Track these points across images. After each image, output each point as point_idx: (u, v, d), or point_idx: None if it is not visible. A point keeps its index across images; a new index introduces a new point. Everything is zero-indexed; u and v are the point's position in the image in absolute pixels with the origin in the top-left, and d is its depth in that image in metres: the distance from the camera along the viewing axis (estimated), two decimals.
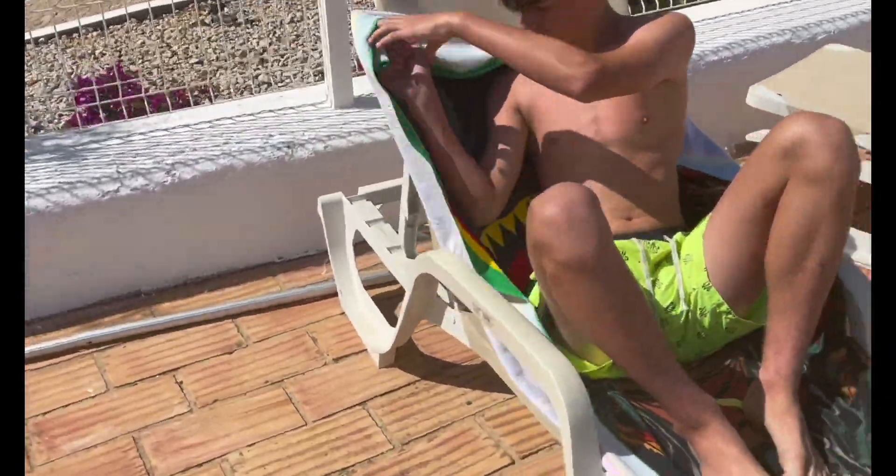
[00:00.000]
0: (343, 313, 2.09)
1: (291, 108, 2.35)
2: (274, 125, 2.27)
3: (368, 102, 2.38)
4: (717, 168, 1.73)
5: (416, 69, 1.54)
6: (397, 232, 1.86)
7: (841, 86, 2.33)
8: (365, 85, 2.45)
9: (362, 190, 2.06)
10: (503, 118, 1.62)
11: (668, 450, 1.30)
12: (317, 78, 3.43)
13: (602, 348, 1.31)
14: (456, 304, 1.63)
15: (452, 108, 1.67)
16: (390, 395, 1.85)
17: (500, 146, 1.61)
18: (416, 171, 1.54)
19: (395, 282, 2.18)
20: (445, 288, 1.63)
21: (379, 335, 1.93)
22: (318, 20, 2.28)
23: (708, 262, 1.41)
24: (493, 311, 1.37)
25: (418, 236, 1.84)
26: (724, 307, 1.42)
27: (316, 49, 3.67)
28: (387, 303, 2.09)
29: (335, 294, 2.13)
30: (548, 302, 1.38)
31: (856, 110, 2.19)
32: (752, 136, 2.37)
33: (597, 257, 1.20)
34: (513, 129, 1.62)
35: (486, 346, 1.54)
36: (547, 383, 1.25)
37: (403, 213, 1.79)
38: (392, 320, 2.04)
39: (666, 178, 1.58)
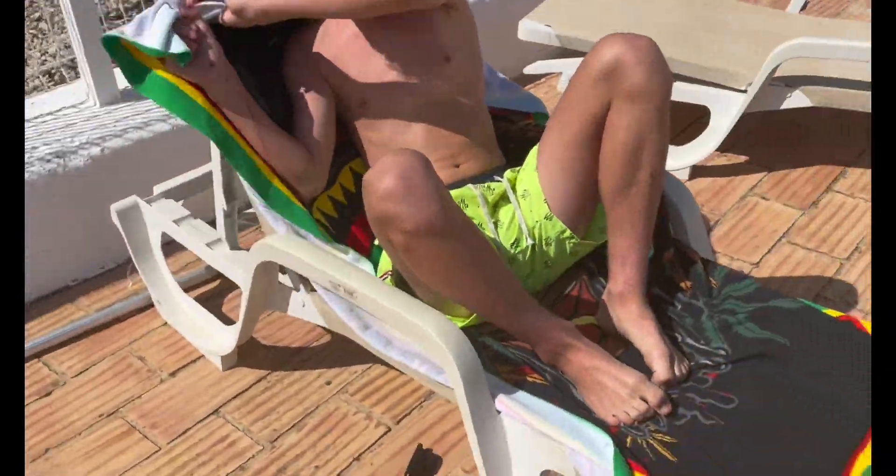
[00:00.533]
0: (166, 324, 1.93)
1: (49, 113, 2.10)
2: (34, 136, 2.02)
3: (137, 94, 2.19)
4: (518, 101, 1.77)
5: (212, 53, 1.42)
6: (212, 225, 1.74)
7: (600, 8, 2.47)
8: None
9: (158, 188, 1.90)
10: (308, 84, 1.55)
11: (546, 378, 1.34)
12: (51, 78, 3.09)
13: (462, 305, 1.32)
14: (303, 287, 1.56)
15: (254, 84, 1.57)
16: (243, 395, 1.74)
17: (312, 115, 1.53)
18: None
19: (213, 279, 2.05)
20: (289, 272, 1.55)
21: (217, 337, 1.81)
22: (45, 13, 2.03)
23: (546, 193, 1.44)
24: (355, 284, 1.32)
25: (239, 224, 1.73)
26: (567, 233, 1.46)
27: (39, 47, 3.29)
28: (211, 302, 1.97)
29: (151, 306, 1.97)
30: (400, 270, 1.36)
31: (624, 29, 2.34)
32: (530, 69, 2.45)
33: (443, 219, 1.20)
34: (321, 95, 1.55)
35: (348, 323, 1.49)
36: (429, 341, 1.23)
37: (220, 204, 1.67)
38: (223, 319, 1.92)
39: (482, 118, 1.60)
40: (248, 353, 1.83)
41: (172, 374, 1.81)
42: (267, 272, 1.55)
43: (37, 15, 3.49)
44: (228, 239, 1.72)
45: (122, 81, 2.21)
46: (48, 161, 1.94)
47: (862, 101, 2.07)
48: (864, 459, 1.17)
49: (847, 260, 1.97)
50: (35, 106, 2.13)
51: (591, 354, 1.29)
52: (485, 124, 1.60)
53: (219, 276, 2.05)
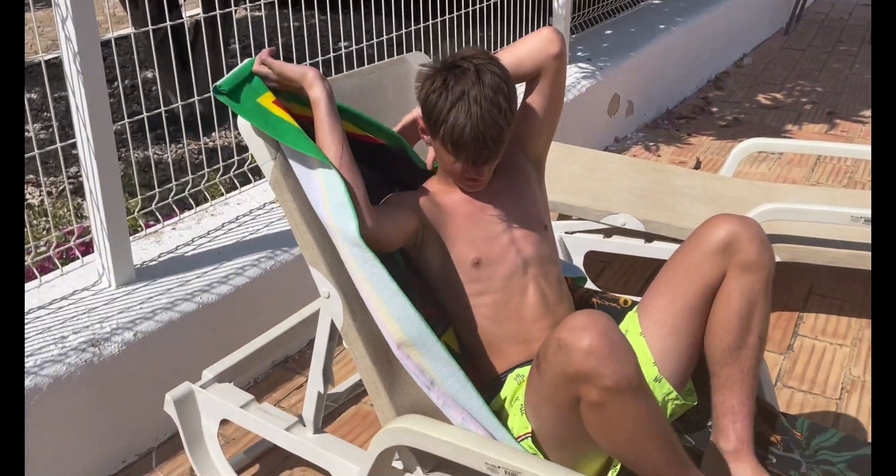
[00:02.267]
0: None
1: (63, 298, 1.99)
2: (56, 324, 1.89)
3: (153, 272, 2.12)
4: (565, 268, 1.90)
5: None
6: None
7: (573, 176, 2.71)
8: (144, 250, 2.19)
9: (209, 372, 1.83)
10: (402, 204, 1.58)
11: None
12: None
13: (636, 465, 1.37)
14: (419, 469, 1.55)
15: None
16: None
17: (389, 212, 1.55)
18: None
19: (252, 463, 1.96)
20: (402, 454, 1.54)
21: None
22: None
23: (656, 356, 1.56)
24: (521, 465, 1.35)
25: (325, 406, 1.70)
26: (674, 394, 1.58)
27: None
28: None
29: None
30: (559, 432, 1.40)
31: (600, 193, 2.58)
32: None
33: (641, 378, 1.28)
34: (406, 220, 1.56)
35: None
36: None
37: (316, 386, 1.65)
38: None
39: (566, 285, 1.70)
40: None
41: None
42: (387, 457, 1.54)
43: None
44: (315, 424, 1.68)
45: (136, 258, 2.14)
46: (82, 350, 1.82)
47: (823, 257, 2.39)
48: None
49: (839, 399, 2.21)
50: (41, 290, 2.00)
51: None
52: (569, 294, 1.72)
53: (260, 457, 1.97)
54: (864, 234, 2.43)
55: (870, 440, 1.96)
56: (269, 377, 2.27)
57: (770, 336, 2.48)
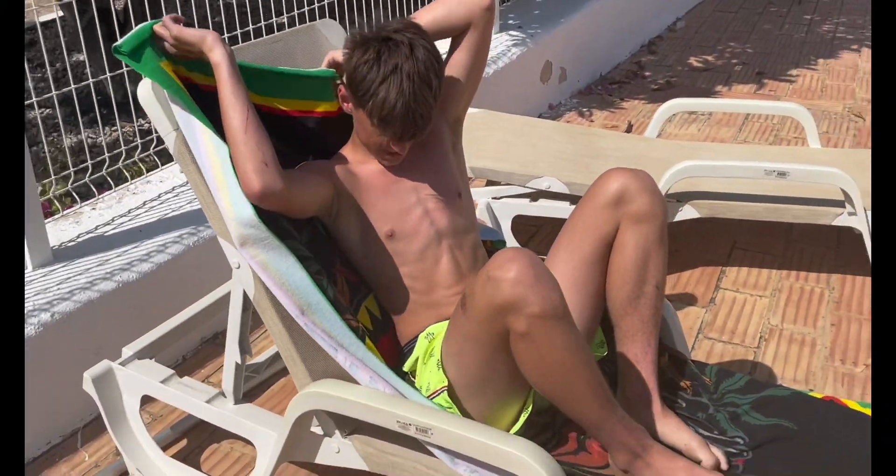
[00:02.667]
0: None
1: None
2: None
3: (71, 253, 2.10)
4: (485, 232, 1.92)
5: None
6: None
7: (502, 143, 2.72)
8: (63, 231, 2.16)
9: (128, 350, 1.82)
10: (315, 171, 1.57)
11: None
12: None
13: (561, 397, 1.39)
14: (338, 432, 1.57)
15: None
16: None
17: (301, 176, 1.54)
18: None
19: (181, 437, 1.96)
20: (321, 419, 1.56)
21: None
22: None
23: None
24: (432, 421, 1.38)
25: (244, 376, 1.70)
26: None
27: None
28: (189, 461, 1.88)
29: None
30: (467, 371, 1.43)
31: (528, 159, 2.60)
32: None
33: (564, 303, 1.32)
34: (321, 184, 1.56)
35: (394, 459, 1.52)
36: (523, 465, 1.31)
37: (233, 357, 1.65)
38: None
39: (482, 251, 1.72)
40: None
41: None
42: (303, 423, 1.55)
43: None
44: (235, 394, 1.69)
45: (53, 239, 2.11)
46: None
47: (740, 211, 2.45)
48: None
49: (758, 348, 2.28)
50: None
51: (670, 457, 1.43)
52: (485, 257, 1.74)
53: (187, 432, 1.97)
54: (779, 187, 2.50)
55: (780, 383, 2.03)
56: (197, 354, 2.26)
57: (693, 291, 2.54)
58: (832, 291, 2.52)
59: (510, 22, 4.05)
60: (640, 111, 4.02)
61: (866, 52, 4.81)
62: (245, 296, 1.61)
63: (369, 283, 1.66)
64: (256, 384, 2.09)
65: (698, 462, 1.48)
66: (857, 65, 4.61)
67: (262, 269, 1.47)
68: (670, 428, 1.54)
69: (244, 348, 1.65)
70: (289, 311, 1.48)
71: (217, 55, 1.48)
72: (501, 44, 3.79)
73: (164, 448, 1.90)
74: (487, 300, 1.33)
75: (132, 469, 1.81)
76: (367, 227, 1.59)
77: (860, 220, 2.34)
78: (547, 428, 1.58)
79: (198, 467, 1.87)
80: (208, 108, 1.53)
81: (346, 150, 1.66)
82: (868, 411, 1.60)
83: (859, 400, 2.03)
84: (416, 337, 1.62)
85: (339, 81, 1.61)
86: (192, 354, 2.26)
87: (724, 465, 1.48)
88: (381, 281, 1.63)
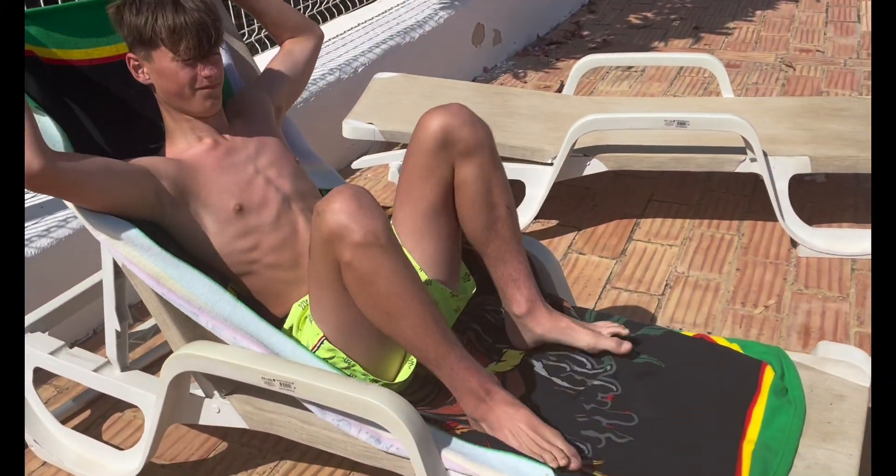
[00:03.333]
0: (45, 464, 1.84)
1: None
2: None
3: None
4: (324, 178, 1.89)
5: None
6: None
7: (412, 105, 2.73)
8: None
9: None
10: (131, 165, 1.52)
11: (470, 427, 1.47)
12: None
13: (398, 333, 1.39)
14: (216, 393, 1.59)
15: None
16: None
17: (110, 164, 1.47)
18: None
19: (82, 410, 1.98)
20: (200, 380, 1.58)
21: (113, 466, 1.75)
22: None
23: (420, 263, 1.59)
24: (293, 376, 1.40)
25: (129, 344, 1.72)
26: (448, 292, 1.63)
27: None
28: (90, 432, 1.90)
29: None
30: (331, 316, 1.45)
31: None
32: (358, 164, 2.64)
33: (388, 232, 1.33)
34: (131, 176, 1.50)
35: (271, 416, 1.55)
36: (379, 413, 1.34)
37: (112, 325, 1.66)
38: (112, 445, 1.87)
39: None
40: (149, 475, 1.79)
41: None
42: (180, 385, 1.57)
43: None
44: (120, 361, 1.71)
45: None
46: None
47: (647, 163, 2.47)
48: (755, 420, 1.44)
49: (662, 295, 2.31)
50: None
51: (511, 402, 1.45)
52: None
53: (87, 405, 1.99)
54: (681, 137, 2.52)
55: (679, 331, 2.07)
56: (94, 336, 2.27)
57: (605, 243, 2.56)
58: (741, 237, 2.56)
59: None
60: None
61: (804, 2, 4.82)
62: (115, 264, 1.62)
63: (225, 275, 1.61)
64: (157, 358, 2.11)
65: (606, 352, 1.61)
66: (793, 15, 4.62)
67: (110, 246, 1.49)
68: (568, 330, 1.62)
69: (122, 315, 1.67)
70: (145, 282, 1.50)
71: None
72: (428, 8, 3.78)
73: (67, 419, 1.92)
74: (317, 234, 1.35)
75: (29, 440, 1.83)
76: (211, 209, 1.56)
77: (761, 165, 2.36)
78: (431, 381, 1.60)
79: (99, 436, 1.89)
80: (47, 84, 1.53)
81: (166, 147, 1.63)
82: (735, 346, 1.63)
83: (754, 340, 2.07)
84: (287, 313, 1.63)
85: (128, 55, 1.57)
86: (101, 329, 2.27)
87: (625, 348, 1.60)
88: (240, 268, 1.60)
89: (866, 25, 4.39)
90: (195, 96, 1.56)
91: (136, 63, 1.57)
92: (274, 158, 1.65)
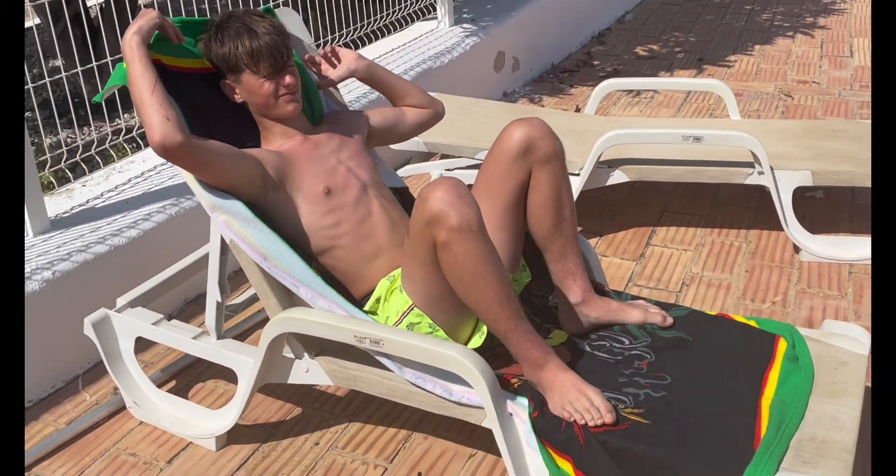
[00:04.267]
0: (142, 423, 2.08)
1: None
2: None
3: (66, 223, 2.36)
4: (388, 177, 2.15)
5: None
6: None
7: (449, 122, 3.01)
8: (57, 205, 2.42)
9: (122, 300, 2.08)
10: (245, 151, 1.79)
11: (523, 381, 1.72)
12: None
13: (479, 305, 1.63)
14: (306, 355, 1.84)
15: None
16: (244, 467, 1.94)
17: (229, 147, 1.75)
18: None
19: (177, 374, 2.23)
20: (291, 342, 1.83)
21: (204, 424, 1.99)
22: None
23: None
24: (382, 333, 1.66)
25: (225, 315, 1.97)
26: (511, 277, 1.90)
27: None
28: (180, 395, 2.14)
29: (121, 409, 2.10)
30: (425, 287, 1.69)
31: (475, 134, 2.89)
32: (403, 172, 2.92)
33: (481, 221, 1.59)
34: (247, 157, 1.77)
35: (355, 373, 1.80)
36: (460, 365, 1.60)
37: (214, 296, 1.92)
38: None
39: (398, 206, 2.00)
40: (232, 435, 2.03)
41: (169, 462, 1.96)
42: (276, 347, 1.82)
43: None
44: (217, 330, 1.96)
45: (50, 211, 2.37)
46: None
47: (664, 174, 2.75)
48: (771, 381, 1.71)
49: (680, 292, 2.58)
50: None
51: (563, 368, 1.70)
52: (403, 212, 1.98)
53: (176, 374, 2.24)
54: (697, 151, 2.80)
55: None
56: (182, 312, 2.53)
57: (626, 247, 2.84)
58: (749, 244, 2.83)
59: (464, 16, 4.34)
60: (588, 96, 4.32)
61: (800, 38, 5.16)
62: (223, 241, 1.88)
63: (311, 254, 1.84)
64: (241, 332, 2.36)
65: (643, 328, 1.90)
66: (790, 49, 4.95)
67: (226, 226, 1.75)
68: (619, 311, 1.91)
69: (223, 288, 1.92)
70: (253, 258, 1.76)
71: (123, 40, 1.73)
72: (455, 36, 4.08)
73: (157, 386, 2.17)
74: (419, 216, 1.60)
75: (129, 402, 2.07)
76: (303, 191, 1.81)
77: (768, 177, 2.65)
78: (492, 352, 1.85)
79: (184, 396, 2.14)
80: (172, 86, 1.81)
81: (266, 142, 1.91)
82: (752, 323, 1.90)
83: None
84: (371, 290, 1.86)
85: (223, 81, 1.86)
86: (177, 313, 2.52)
87: (669, 321, 1.90)
88: (325, 246, 1.83)
89: (859, 60, 4.73)
90: (279, 103, 1.84)
91: (231, 87, 1.85)
92: (353, 153, 1.92)
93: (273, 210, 1.83)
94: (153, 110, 1.66)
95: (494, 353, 1.82)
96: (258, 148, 1.87)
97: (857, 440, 1.58)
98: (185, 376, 2.24)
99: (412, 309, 1.74)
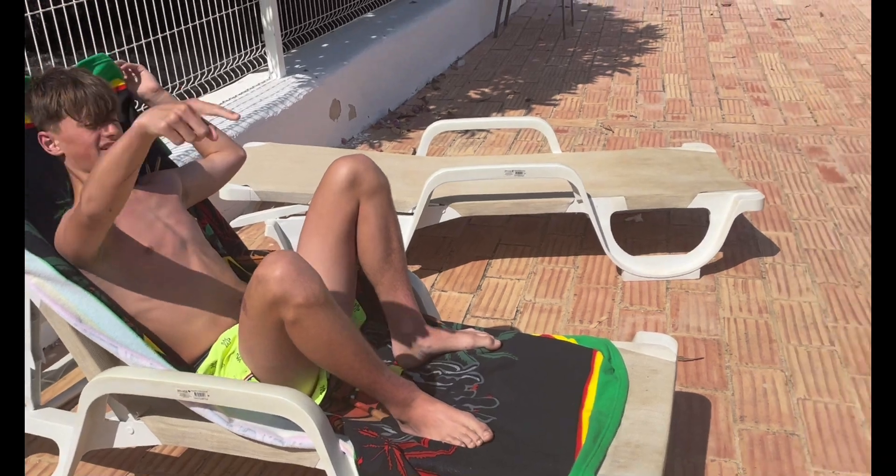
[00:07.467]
0: None
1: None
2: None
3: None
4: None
5: None
6: None
7: (283, 170, 3.02)
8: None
9: None
10: None
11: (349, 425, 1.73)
12: None
13: (338, 368, 1.65)
14: (130, 416, 1.78)
15: None
16: None
17: None
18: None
19: None
20: (113, 405, 1.77)
21: None
22: None
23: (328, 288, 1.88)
24: (207, 384, 1.63)
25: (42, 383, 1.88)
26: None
27: None
28: None
29: None
30: (272, 359, 1.67)
31: (308, 182, 2.91)
32: (236, 223, 2.89)
33: (326, 293, 1.58)
34: None
35: (183, 429, 1.75)
36: (286, 407, 1.59)
37: (28, 363, 1.83)
38: None
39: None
40: None
41: None
42: (97, 411, 1.76)
43: None
44: (34, 399, 1.86)
45: None
46: None
47: (493, 208, 2.86)
48: (590, 393, 1.80)
49: (514, 319, 2.68)
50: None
51: (430, 400, 1.72)
52: (229, 267, 1.98)
53: None
54: (521, 185, 2.94)
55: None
56: None
57: (463, 281, 2.92)
58: (577, 269, 2.98)
59: (296, 66, 4.38)
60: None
61: (618, 76, 5.52)
62: (33, 305, 1.80)
63: (139, 323, 1.79)
64: (66, 402, 2.25)
65: (472, 353, 1.96)
66: (609, 87, 5.29)
67: (38, 289, 1.69)
68: (450, 339, 1.96)
69: (37, 355, 1.84)
70: (67, 321, 1.70)
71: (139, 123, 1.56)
72: (288, 86, 4.11)
73: None
74: (260, 298, 1.57)
75: None
76: (124, 248, 1.76)
77: (586, 205, 2.80)
78: (338, 401, 1.85)
79: None
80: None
81: (77, 201, 1.81)
82: (572, 340, 2.00)
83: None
84: (206, 351, 1.82)
85: (39, 133, 1.80)
86: None
87: (497, 343, 1.97)
88: (151, 313, 1.78)
89: (670, 93, 5.10)
90: (100, 155, 1.78)
91: (48, 138, 1.79)
92: (172, 211, 1.89)
93: (92, 270, 1.78)
94: (112, 195, 1.57)
95: (331, 398, 1.83)
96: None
97: (668, 441, 1.69)
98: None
99: (250, 378, 1.72)
